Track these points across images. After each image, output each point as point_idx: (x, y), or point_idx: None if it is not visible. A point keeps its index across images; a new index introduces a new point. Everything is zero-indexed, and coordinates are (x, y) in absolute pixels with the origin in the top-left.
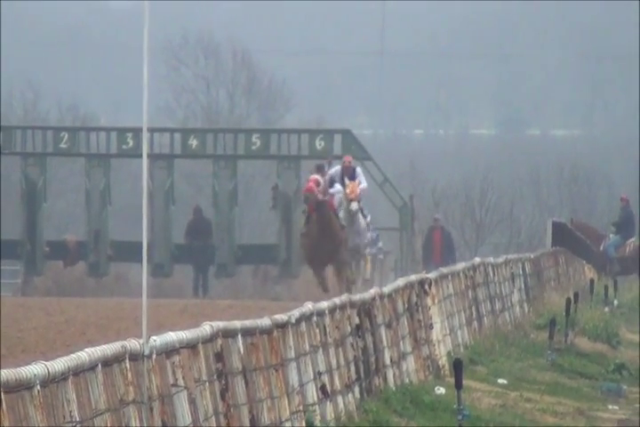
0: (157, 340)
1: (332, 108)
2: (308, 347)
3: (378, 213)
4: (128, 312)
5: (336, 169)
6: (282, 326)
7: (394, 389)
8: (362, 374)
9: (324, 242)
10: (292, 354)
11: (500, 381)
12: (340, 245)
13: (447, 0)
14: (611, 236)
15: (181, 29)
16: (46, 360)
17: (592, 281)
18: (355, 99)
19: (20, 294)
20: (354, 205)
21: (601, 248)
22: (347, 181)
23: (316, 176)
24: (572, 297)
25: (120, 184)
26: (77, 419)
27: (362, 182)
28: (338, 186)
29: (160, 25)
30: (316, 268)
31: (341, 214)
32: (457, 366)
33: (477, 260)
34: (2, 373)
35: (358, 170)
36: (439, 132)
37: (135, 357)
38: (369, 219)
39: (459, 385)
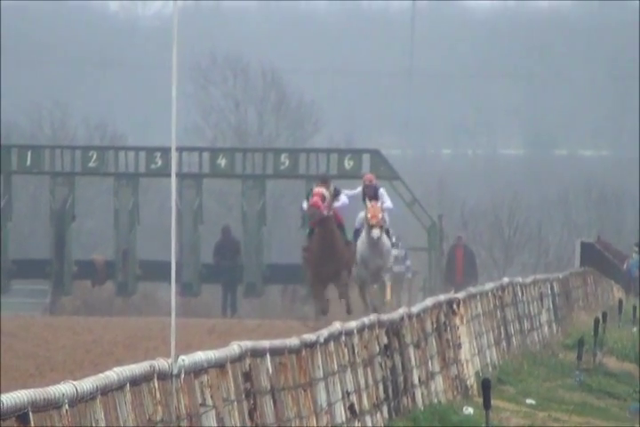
0: (186, 359)
1: (360, 128)
2: (336, 366)
3: (406, 232)
4: (156, 332)
5: (359, 189)
6: (310, 346)
7: (422, 409)
8: (390, 394)
9: (326, 259)
10: (320, 374)
11: (529, 401)
12: (342, 263)
13: (475, 21)
14: (634, 255)
15: (210, 48)
16: (75, 380)
17: (620, 301)
18: (383, 119)
19: (49, 314)
20: (375, 233)
21: (625, 268)
22: (367, 203)
23: (321, 189)
24: (600, 317)
25: (148, 204)
26: None
27: (385, 202)
28: (343, 197)
29: (189, 44)
30: (316, 286)
31: (362, 239)
32: (485, 386)
33: (506, 280)
34: (31, 392)
35: (382, 190)
36: (467, 152)
37: (163, 376)
38: (394, 239)
39: (487, 405)
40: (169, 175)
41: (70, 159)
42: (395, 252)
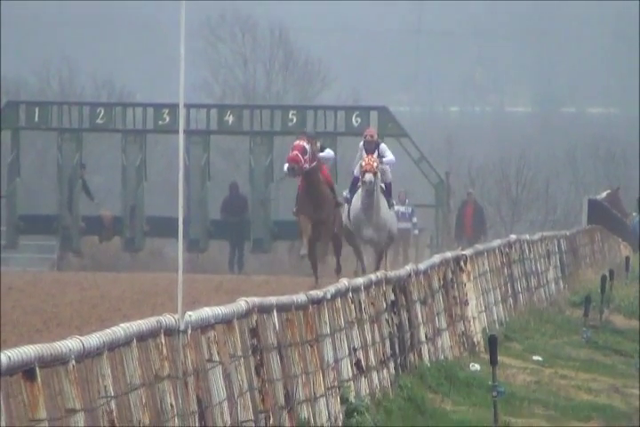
0: (193, 315)
1: (368, 86)
2: (343, 323)
3: (414, 189)
4: (163, 288)
5: (361, 144)
6: (317, 302)
7: (429, 365)
8: (397, 351)
9: (313, 212)
10: (327, 330)
11: (535, 358)
12: (329, 216)
13: None
14: (634, 214)
15: (219, 5)
16: (81, 335)
17: (627, 258)
18: (391, 76)
19: (56, 269)
20: (368, 177)
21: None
22: (363, 154)
23: (302, 143)
24: (607, 274)
25: (156, 160)
26: (112, 394)
27: (387, 156)
28: (329, 150)
29: (197, 1)
30: (307, 242)
31: (358, 197)
32: (492, 343)
33: (513, 237)
34: (37, 347)
35: (383, 146)
36: (475, 110)
37: (170, 332)
38: (396, 200)
39: (494, 362)
40: (177, 132)
41: (78, 116)
42: (402, 208)
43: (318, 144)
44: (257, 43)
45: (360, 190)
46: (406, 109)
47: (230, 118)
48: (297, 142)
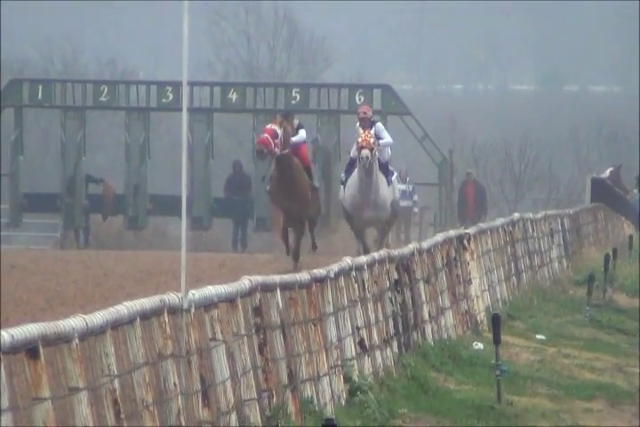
0: (196, 294)
1: (372, 64)
2: (346, 302)
3: (417, 168)
4: (167, 266)
5: (357, 125)
6: (320, 281)
7: (432, 344)
8: (400, 329)
9: (287, 199)
10: (330, 309)
11: (539, 336)
12: (304, 205)
13: None
14: (634, 191)
15: None
16: (85, 314)
17: (631, 237)
18: (394, 54)
19: (59, 248)
20: (364, 152)
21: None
22: (360, 131)
23: (274, 126)
24: (610, 253)
25: (159, 138)
26: (115, 372)
27: (384, 138)
28: (302, 132)
29: None
30: (279, 228)
31: (355, 177)
32: (495, 322)
33: (516, 215)
34: (41, 326)
35: (379, 125)
36: (478, 88)
37: (174, 311)
38: (395, 175)
39: (497, 340)
40: (180, 110)
41: (81, 93)
42: (402, 186)
43: (296, 121)
44: (261, 21)
45: (357, 170)
46: (409, 88)
47: (234, 96)
48: (269, 126)
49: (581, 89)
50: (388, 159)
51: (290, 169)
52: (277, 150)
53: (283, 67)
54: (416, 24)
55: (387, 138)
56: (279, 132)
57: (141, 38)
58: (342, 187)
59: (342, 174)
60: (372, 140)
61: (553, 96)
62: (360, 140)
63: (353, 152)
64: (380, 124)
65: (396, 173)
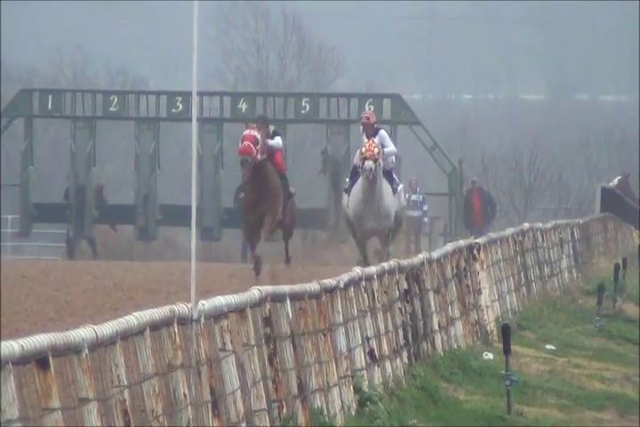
0: (206, 304)
1: (381, 73)
2: (356, 312)
3: (427, 177)
4: (176, 276)
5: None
6: (330, 291)
7: (442, 354)
8: (410, 340)
9: (256, 206)
10: (340, 319)
11: (548, 346)
12: (272, 207)
13: None
14: None
15: None
16: (94, 324)
17: None
18: (404, 63)
19: (66, 258)
20: (368, 164)
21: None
22: (364, 139)
23: (253, 133)
24: (620, 263)
25: (169, 148)
26: (125, 383)
27: (388, 146)
28: (278, 139)
29: None
30: (247, 235)
31: (359, 185)
32: (505, 332)
33: (526, 225)
34: (51, 336)
35: (383, 133)
36: (488, 97)
37: (183, 321)
38: (400, 186)
39: (507, 351)
40: (190, 120)
41: (91, 103)
42: (413, 197)
43: (272, 127)
44: (270, 30)
45: (360, 179)
46: (419, 97)
47: (243, 106)
48: (247, 132)
49: (591, 98)
50: (392, 167)
51: (264, 175)
52: (259, 156)
53: (292, 76)
54: (426, 34)
55: (390, 146)
56: (258, 137)
57: (151, 48)
58: (346, 194)
59: (347, 180)
60: (375, 150)
61: (563, 105)
62: (364, 149)
63: (356, 158)
64: (383, 132)
65: (402, 185)
